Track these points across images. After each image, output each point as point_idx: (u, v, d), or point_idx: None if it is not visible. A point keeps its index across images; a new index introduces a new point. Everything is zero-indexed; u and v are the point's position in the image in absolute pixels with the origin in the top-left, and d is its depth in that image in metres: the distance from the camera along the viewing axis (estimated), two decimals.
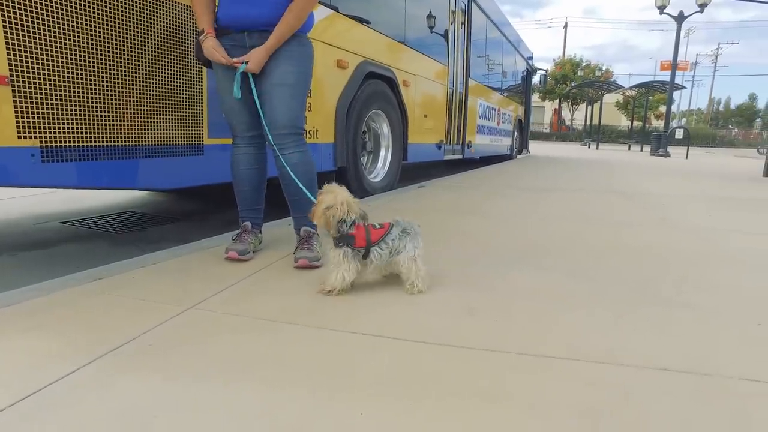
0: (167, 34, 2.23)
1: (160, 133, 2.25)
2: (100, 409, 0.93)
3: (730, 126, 55.13)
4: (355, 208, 1.61)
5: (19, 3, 1.65)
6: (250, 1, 1.83)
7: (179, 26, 2.29)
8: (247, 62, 1.83)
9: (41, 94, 1.75)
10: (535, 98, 24.38)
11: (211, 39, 1.85)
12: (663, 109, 30.39)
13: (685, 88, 23.50)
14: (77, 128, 1.89)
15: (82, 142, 1.91)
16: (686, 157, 14.54)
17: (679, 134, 17.52)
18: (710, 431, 0.90)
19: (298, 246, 1.98)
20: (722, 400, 1.01)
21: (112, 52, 2.00)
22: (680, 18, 15.09)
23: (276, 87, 1.89)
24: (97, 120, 1.96)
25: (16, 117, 1.67)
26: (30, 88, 1.71)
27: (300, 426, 0.89)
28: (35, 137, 1.74)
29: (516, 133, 11.44)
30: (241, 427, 0.88)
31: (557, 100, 38.80)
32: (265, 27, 1.84)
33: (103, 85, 1.97)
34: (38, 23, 1.72)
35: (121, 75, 2.04)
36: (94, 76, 1.93)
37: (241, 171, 2.04)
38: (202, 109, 2.45)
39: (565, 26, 48.12)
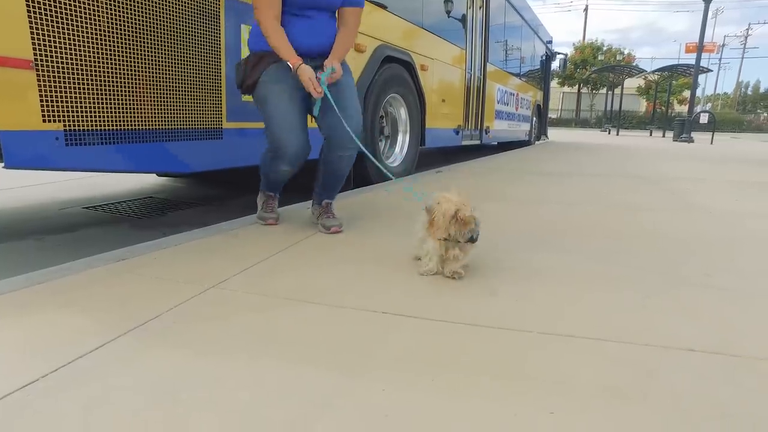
0: (187, 19, 2.24)
1: (180, 117, 2.27)
2: (128, 382, 0.95)
3: (758, 110, 53.31)
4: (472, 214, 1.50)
5: None
6: (319, 33, 2.03)
7: (199, 11, 2.29)
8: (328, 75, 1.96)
9: (65, 78, 1.77)
10: (553, 84, 23.89)
11: (308, 68, 1.92)
12: (686, 93, 29.65)
13: (711, 71, 22.80)
14: (100, 112, 1.91)
15: (105, 125, 1.93)
16: (711, 143, 14.17)
17: (703, 119, 17.04)
18: (741, 411, 0.88)
19: (322, 215, 2.19)
20: (753, 381, 0.98)
21: (134, 37, 2.01)
22: None
23: (346, 89, 2.07)
24: (119, 104, 1.98)
25: (41, 101, 1.70)
26: (54, 72, 1.73)
27: (323, 402, 0.89)
28: (59, 121, 1.76)
29: (534, 118, 11.26)
30: (266, 402, 0.89)
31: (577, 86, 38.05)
32: (327, 51, 2.04)
33: (124, 70, 1.99)
34: (61, 8, 1.73)
35: (142, 59, 2.05)
36: (116, 60, 1.95)
37: (275, 172, 2.17)
38: (220, 94, 2.46)
39: (586, 9, 46.96)
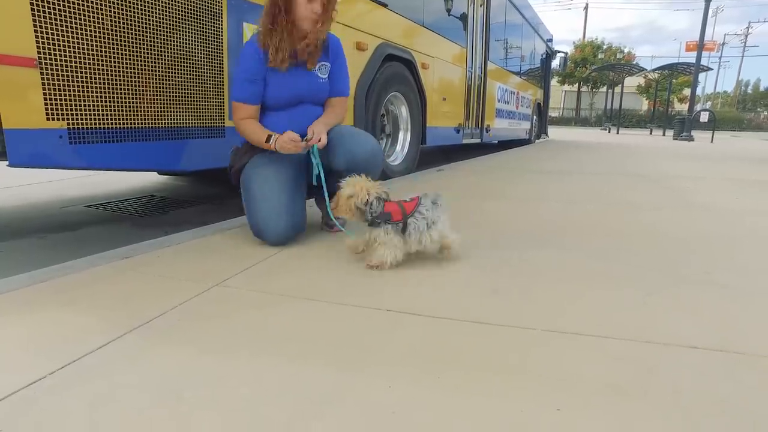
0: (190, 18, 2.24)
1: (183, 116, 2.27)
2: (133, 379, 0.95)
3: (758, 109, 53.21)
4: (376, 189, 1.63)
5: None
6: (308, 119, 1.97)
7: (202, 10, 2.29)
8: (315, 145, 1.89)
9: (69, 76, 1.77)
10: (553, 82, 23.85)
11: (282, 135, 1.86)
12: (686, 92, 29.62)
13: (711, 69, 22.77)
14: (104, 110, 1.91)
15: (109, 124, 1.94)
16: (711, 141, 14.17)
17: (703, 117, 17.02)
18: (743, 409, 0.89)
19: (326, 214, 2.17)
20: (754, 378, 0.99)
21: (137, 36, 2.01)
22: None
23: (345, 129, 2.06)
24: (123, 102, 1.99)
25: (45, 99, 1.70)
26: (58, 70, 1.73)
27: (328, 398, 0.90)
28: (63, 119, 1.77)
29: (535, 117, 11.26)
30: (271, 398, 0.90)
31: (576, 84, 38.00)
32: None
33: (128, 68, 1.99)
34: (65, 7, 1.73)
35: (146, 58, 2.05)
36: (120, 59, 1.95)
37: None
38: (222, 92, 2.46)
39: (586, 7, 46.90)
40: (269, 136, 1.88)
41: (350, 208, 1.62)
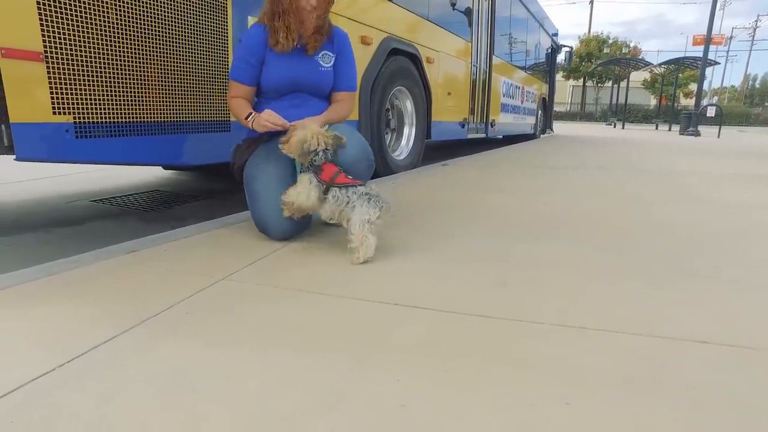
0: (196, 12, 2.23)
1: (188, 110, 2.26)
2: (141, 373, 0.95)
3: (766, 104, 52.73)
4: (326, 140, 1.71)
5: None
6: (311, 109, 1.99)
7: (208, 3, 2.28)
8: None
9: (75, 70, 1.77)
10: (559, 77, 23.69)
11: (262, 113, 1.85)
12: (693, 87, 29.40)
13: (719, 63, 22.59)
14: (110, 104, 1.91)
15: (115, 118, 1.94)
16: (718, 137, 14.07)
17: (710, 112, 16.88)
18: (755, 404, 0.88)
19: None
20: (767, 373, 0.98)
21: (143, 30, 2.00)
22: None
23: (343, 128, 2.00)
24: (128, 96, 1.98)
25: (51, 93, 1.70)
26: (64, 64, 1.73)
27: (336, 391, 0.89)
28: (69, 113, 1.77)
29: (540, 111, 11.20)
30: (279, 391, 0.90)
31: (576, 79, 37.75)
32: None
33: (134, 62, 1.98)
34: (71, 0, 1.73)
35: (152, 52, 2.05)
36: (126, 53, 1.95)
37: None
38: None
39: (592, 1, 46.50)
40: (249, 114, 1.89)
41: (298, 149, 1.70)
